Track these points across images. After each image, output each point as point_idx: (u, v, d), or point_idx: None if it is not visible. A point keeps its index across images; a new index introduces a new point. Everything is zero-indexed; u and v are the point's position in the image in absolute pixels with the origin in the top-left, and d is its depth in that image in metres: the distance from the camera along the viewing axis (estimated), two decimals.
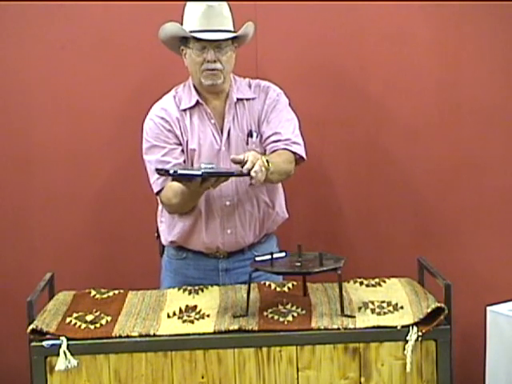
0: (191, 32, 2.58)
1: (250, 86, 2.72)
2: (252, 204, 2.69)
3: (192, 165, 2.66)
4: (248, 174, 2.33)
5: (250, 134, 2.67)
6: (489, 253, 3.24)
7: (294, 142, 2.64)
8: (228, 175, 2.40)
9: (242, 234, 2.70)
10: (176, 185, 2.49)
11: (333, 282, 2.47)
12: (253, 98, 2.69)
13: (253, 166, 2.32)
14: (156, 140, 2.65)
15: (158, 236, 2.82)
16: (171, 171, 2.33)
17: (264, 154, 2.60)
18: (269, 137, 2.65)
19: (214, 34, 2.56)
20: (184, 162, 2.65)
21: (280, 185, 2.78)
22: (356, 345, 2.22)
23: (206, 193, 2.61)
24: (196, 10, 2.59)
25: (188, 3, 2.63)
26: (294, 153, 2.63)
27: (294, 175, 2.68)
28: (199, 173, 2.31)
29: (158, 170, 2.41)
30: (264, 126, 2.67)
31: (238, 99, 2.68)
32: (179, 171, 2.32)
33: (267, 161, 2.40)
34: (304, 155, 2.67)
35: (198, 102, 2.67)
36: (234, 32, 2.61)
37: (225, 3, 2.63)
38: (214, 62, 2.58)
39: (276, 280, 2.61)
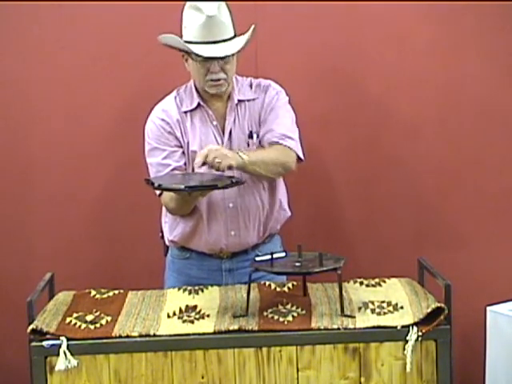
0: (193, 43, 2.51)
1: (251, 86, 2.70)
2: (256, 205, 2.68)
3: (192, 168, 2.65)
4: (232, 184, 2.37)
5: (250, 135, 2.66)
6: (489, 253, 3.23)
7: (288, 137, 2.61)
8: (212, 188, 2.40)
9: (246, 236, 2.69)
10: None
11: (333, 282, 2.47)
12: (253, 99, 2.68)
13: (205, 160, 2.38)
14: (157, 142, 2.64)
15: (163, 236, 2.82)
16: (156, 184, 2.36)
17: None
18: (264, 135, 2.63)
19: (218, 47, 2.50)
20: (185, 164, 2.65)
21: (282, 183, 2.77)
22: (356, 345, 2.22)
23: (207, 195, 2.61)
24: (196, 20, 2.51)
25: (186, 8, 2.56)
26: (289, 148, 2.60)
27: (294, 175, 2.69)
28: (182, 187, 2.32)
29: (147, 181, 2.42)
30: (261, 125, 2.65)
31: (239, 100, 2.67)
32: (163, 185, 2.37)
33: (238, 152, 2.44)
34: (298, 152, 2.63)
35: (199, 105, 2.66)
36: (235, 36, 2.56)
37: (223, 6, 2.55)
38: (218, 71, 2.55)
39: (279, 280, 2.61)
